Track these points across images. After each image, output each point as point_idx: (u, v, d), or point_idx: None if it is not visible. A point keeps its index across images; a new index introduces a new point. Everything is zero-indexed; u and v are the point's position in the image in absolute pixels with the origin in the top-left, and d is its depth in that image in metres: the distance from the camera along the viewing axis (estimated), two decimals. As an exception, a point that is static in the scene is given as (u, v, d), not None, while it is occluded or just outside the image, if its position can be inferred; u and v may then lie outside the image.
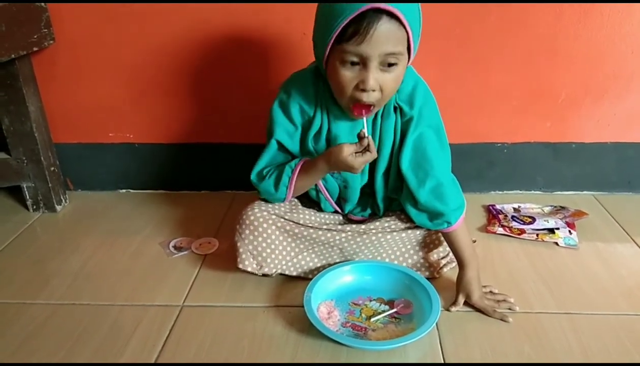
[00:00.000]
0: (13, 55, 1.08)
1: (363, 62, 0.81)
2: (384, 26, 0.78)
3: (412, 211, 0.97)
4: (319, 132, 0.96)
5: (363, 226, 1.02)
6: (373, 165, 0.98)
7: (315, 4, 0.86)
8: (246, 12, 1.18)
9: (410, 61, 0.87)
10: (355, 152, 0.86)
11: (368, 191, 1.04)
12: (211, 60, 1.24)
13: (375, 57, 0.80)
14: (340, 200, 1.06)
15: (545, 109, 1.26)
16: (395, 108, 0.94)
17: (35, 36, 1.13)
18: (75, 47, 1.23)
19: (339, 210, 1.07)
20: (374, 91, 0.83)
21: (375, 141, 0.95)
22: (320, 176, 0.96)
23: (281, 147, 0.98)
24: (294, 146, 0.98)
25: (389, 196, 1.02)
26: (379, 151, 0.95)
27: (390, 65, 0.82)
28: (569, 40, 1.18)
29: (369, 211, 1.07)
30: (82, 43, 1.23)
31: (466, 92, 1.25)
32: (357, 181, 1.00)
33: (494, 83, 1.23)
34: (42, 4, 1.15)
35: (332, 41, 0.81)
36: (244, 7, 1.17)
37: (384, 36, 0.78)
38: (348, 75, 0.83)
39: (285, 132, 0.97)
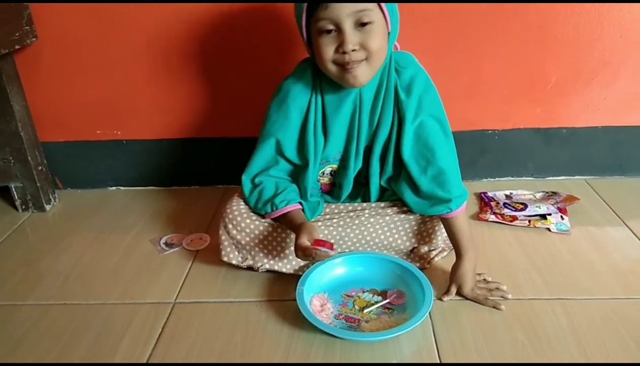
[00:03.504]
0: (-5, 54, 1.06)
1: (337, 27, 0.83)
2: None
3: (411, 199, 0.97)
4: (315, 120, 0.96)
5: (356, 205, 1.02)
6: (368, 151, 0.98)
7: None
8: (231, 6, 1.16)
9: (389, 24, 0.87)
10: (304, 250, 0.86)
11: (362, 180, 1.04)
12: (197, 54, 1.22)
13: (345, 17, 0.82)
14: (334, 188, 1.05)
15: (535, 95, 1.25)
16: (396, 92, 0.94)
17: (17, 34, 1.11)
18: (59, 44, 1.21)
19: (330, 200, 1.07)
20: (354, 50, 0.84)
21: (374, 122, 0.96)
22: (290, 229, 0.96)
23: (277, 147, 0.98)
24: (290, 146, 0.98)
25: (382, 185, 1.02)
26: (376, 133, 0.96)
27: (364, 24, 0.83)
28: (559, 26, 1.18)
29: (359, 200, 1.06)
30: (66, 39, 1.21)
31: (457, 80, 1.24)
32: (351, 168, 1.00)
33: (485, 71, 1.23)
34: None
35: (304, 14, 0.84)
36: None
37: None
38: (326, 41, 0.85)
39: (282, 131, 0.97)
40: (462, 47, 1.20)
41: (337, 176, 1.04)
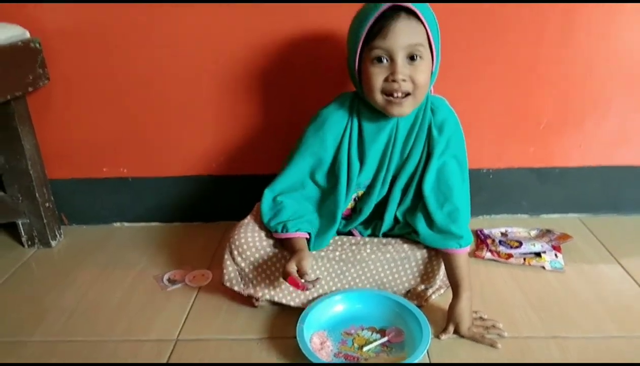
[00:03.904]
0: (9, 97, 1.11)
1: (390, 57, 0.90)
2: (404, 21, 0.88)
3: (424, 230, 1.00)
4: (350, 146, 1.01)
5: (358, 238, 1.07)
6: (393, 181, 1.03)
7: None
8: (236, 43, 1.22)
9: (434, 65, 0.95)
10: (288, 274, 0.91)
11: (379, 210, 1.07)
12: (202, 93, 1.27)
13: (400, 49, 0.89)
14: (354, 213, 1.09)
15: (528, 135, 1.30)
16: (429, 129, 1.00)
17: (30, 77, 1.16)
18: (69, 85, 1.26)
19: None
20: (404, 80, 0.90)
21: (405, 153, 1.02)
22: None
23: (310, 168, 1.03)
24: (322, 170, 1.03)
25: (397, 216, 1.05)
26: (404, 164, 1.01)
27: (415, 58, 0.91)
28: (548, 68, 1.23)
29: (370, 231, 1.09)
30: (75, 81, 1.26)
31: (451, 120, 1.28)
32: (375, 195, 1.04)
33: (478, 111, 1.27)
34: (37, 45, 1.18)
35: (361, 42, 0.91)
36: (232, 40, 1.21)
37: (404, 29, 0.88)
38: (378, 71, 0.92)
39: (317, 154, 1.02)
40: (455, 90, 1.24)
41: (360, 201, 1.07)
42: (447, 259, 1.00)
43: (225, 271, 1.01)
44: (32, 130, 1.25)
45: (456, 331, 0.94)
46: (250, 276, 1.01)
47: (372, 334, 0.95)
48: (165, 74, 1.25)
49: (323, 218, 1.04)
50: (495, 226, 1.33)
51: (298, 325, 0.92)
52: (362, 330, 0.96)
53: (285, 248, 1.01)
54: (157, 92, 1.27)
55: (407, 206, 1.04)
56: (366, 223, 1.09)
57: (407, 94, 0.92)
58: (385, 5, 0.88)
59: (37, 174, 1.26)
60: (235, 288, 1.01)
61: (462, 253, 0.98)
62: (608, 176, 1.34)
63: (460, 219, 0.99)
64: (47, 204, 1.30)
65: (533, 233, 1.29)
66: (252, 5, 1.17)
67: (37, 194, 1.26)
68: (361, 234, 1.10)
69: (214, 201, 1.39)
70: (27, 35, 1.17)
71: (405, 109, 0.94)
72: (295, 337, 0.89)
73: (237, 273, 1.01)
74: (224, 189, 1.37)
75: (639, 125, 1.29)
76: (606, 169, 1.33)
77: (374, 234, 1.09)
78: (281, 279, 0.99)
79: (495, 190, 1.36)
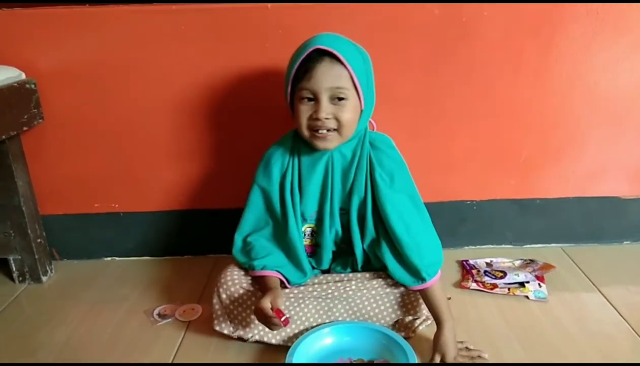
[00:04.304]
0: (4, 136, 1.13)
1: (316, 97, 0.96)
2: (327, 65, 0.94)
3: (393, 266, 1.02)
4: (292, 178, 1.06)
5: (342, 275, 1.09)
6: (347, 217, 1.06)
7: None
8: (222, 79, 1.26)
9: (362, 103, 0.99)
10: (259, 312, 0.93)
11: (346, 248, 1.10)
12: (191, 127, 1.30)
13: (323, 91, 0.95)
14: (316, 249, 1.12)
15: (508, 169, 1.34)
16: (370, 162, 1.04)
17: (25, 116, 1.19)
18: (62, 124, 1.29)
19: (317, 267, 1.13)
20: (327, 118, 0.96)
21: (347, 185, 1.06)
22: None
23: (264, 198, 1.08)
24: (274, 200, 1.07)
25: (365, 250, 1.08)
26: (350, 196, 1.05)
27: (340, 99, 0.96)
28: (525, 104, 1.28)
29: (349, 270, 1.12)
30: (68, 119, 1.29)
31: (435, 155, 1.33)
32: (327, 227, 1.08)
33: (460, 147, 1.32)
34: (32, 85, 1.22)
35: (291, 82, 0.97)
36: (220, 76, 1.25)
37: (327, 72, 0.94)
38: (304, 108, 0.98)
39: (267, 186, 1.08)
40: (437, 125, 1.30)
41: (316, 235, 1.11)
42: (421, 293, 1.02)
43: (214, 314, 1.04)
44: (25, 168, 1.28)
45: (442, 361, 0.96)
46: (240, 317, 1.02)
47: (360, 366, 0.97)
48: (150, 113, 1.29)
49: (286, 251, 1.08)
50: (481, 256, 1.36)
51: (287, 358, 0.93)
52: (351, 362, 0.98)
53: (260, 286, 1.03)
54: (143, 129, 1.30)
55: (372, 237, 1.07)
56: (343, 263, 1.12)
57: (333, 129, 0.98)
58: (310, 49, 0.94)
59: (29, 210, 1.28)
60: (225, 332, 1.03)
61: (431, 284, 1.00)
62: (587, 207, 1.38)
63: (423, 254, 1.01)
64: (38, 240, 1.31)
65: (517, 263, 1.32)
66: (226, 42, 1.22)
67: (29, 231, 1.27)
68: (342, 273, 1.11)
69: (203, 235, 1.41)
70: (23, 76, 1.21)
71: (329, 144, 1.00)
72: (285, 371, 0.91)
73: (226, 316, 1.03)
74: (213, 223, 1.39)
75: (614, 157, 1.34)
76: (585, 199, 1.37)
77: (355, 270, 1.11)
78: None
79: (479, 221, 1.39)
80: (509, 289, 1.20)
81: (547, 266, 1.29)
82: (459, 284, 1.25)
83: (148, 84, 1.26)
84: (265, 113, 1.28)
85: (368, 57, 1.01)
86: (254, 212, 1.10)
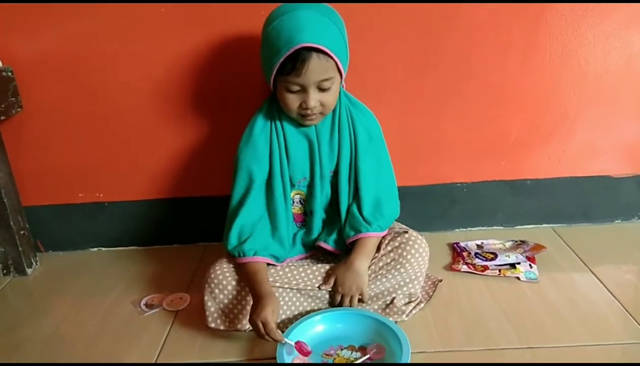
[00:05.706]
0: (-19, 126, 1.10)
1: (303, 89, 0.98)
2: (315, 61, 0.94)
3: (355, 213, 1.07)
4: (278, 144, 1.06)
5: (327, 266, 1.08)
6: (336, 178, 1.08)
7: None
8: (204, 66, 1.23)
9: (344, 78, 1.02)
10: (261, 326, 0.91)
11: (332, 214, 1.11)
12: (174, 115, 1.28)
13: (311, 84, 0.97)
14: (306, 217, 1.12)
15: (499, 150, 1.33)
16: (350, 117, 1.08)
17: (2, 105, 1.16)
18: (42, 113, 1.26)
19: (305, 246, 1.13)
20: (315, 106, 0.99)
21: (334, 145, 1.08)
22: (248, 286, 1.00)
23: (250, 177, 1.06)
24: (261, 173, 1.06)
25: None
26: (339, 156, 1.07)
27: (325, 88, 0.98)
28: (515, 84, 1.26)
29: (334, 235, 1.09)
30: (49, 108, 1.26)
31: (425, 138, 1.31)
32: (318, 192, 1.09)
33: (450, 129, 1.30)
34: (9, 73, 1.18)
35: (274, 73, 0.97)
36: (202, 63, 1.23)
37: (316, 69, 0.95)
38: (292, 98, 0.99)
39: (253, 161, 1.06)
40: (426, 107, 1.28)
41: (307, 203, 1.10)
42: (359, 241, 1.06)
43: (207, 312, 1.00)
44: (5, 158, 1.25)
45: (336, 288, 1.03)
46: (235, 311, 1.00)
47: (351, 353, 0.96)
48: (133, 100, 1.26)
49: (272, 218, 1.06)
50: (471, 239, 1.35)
51: (278, 347, 0.92)
52: (341, 349, 0.97)
53: (245, 277, 1.00)
54: (127, 117, 1.28)
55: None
56: (329, 230, 1.10)
57: (319, 112, 1.01)
58: (296, 46, 0.91)
59: (11, 201, 1.25)
60: (222, 327, 1.00)
61: (375, 235, 1.06)
62: (578, 186, 1.37)
63: (384, 211, 1.07)
64: (22, 232, 1.29)
65: (508, 244, 1.32)
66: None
67: (11, 222, 1.25)
68: (326, 243, 1.09)
69: (192, 223, 1.39)
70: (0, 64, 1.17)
71: (316, 121, 1.04)
72: (275, 358, 0.89)
73: (221, 312, 1.00)
74: (201, 211, 1.37)
75: (604, 137, 1.32)
76: (575, 179, 1.36)
77: (340, 240, 1.09)
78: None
79: (470, 203, 1.38)
80: (499, 271, 1.20)
81: (538, 247, 1.28)
82: (449, 267, 1.24)
83: (130, 71, 1.23)
84: (250, 99, 1.25)
85: (342, 23, 1.00)
86: (241, 189, 1.07)
